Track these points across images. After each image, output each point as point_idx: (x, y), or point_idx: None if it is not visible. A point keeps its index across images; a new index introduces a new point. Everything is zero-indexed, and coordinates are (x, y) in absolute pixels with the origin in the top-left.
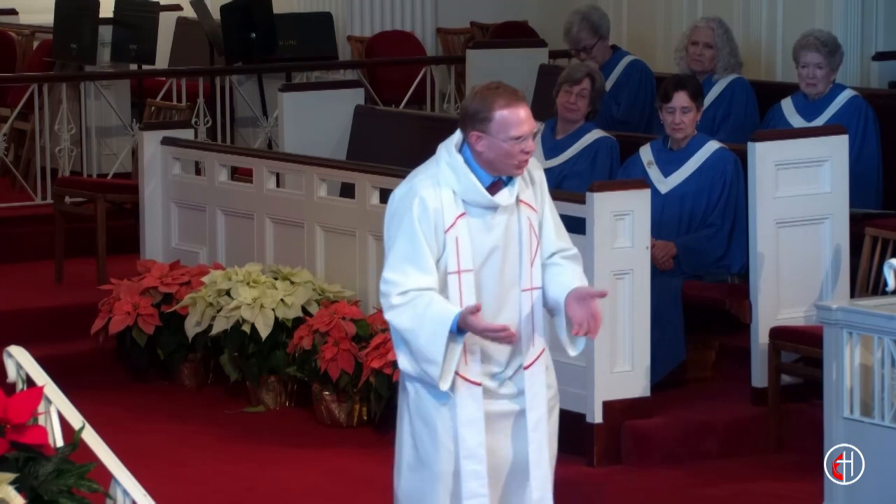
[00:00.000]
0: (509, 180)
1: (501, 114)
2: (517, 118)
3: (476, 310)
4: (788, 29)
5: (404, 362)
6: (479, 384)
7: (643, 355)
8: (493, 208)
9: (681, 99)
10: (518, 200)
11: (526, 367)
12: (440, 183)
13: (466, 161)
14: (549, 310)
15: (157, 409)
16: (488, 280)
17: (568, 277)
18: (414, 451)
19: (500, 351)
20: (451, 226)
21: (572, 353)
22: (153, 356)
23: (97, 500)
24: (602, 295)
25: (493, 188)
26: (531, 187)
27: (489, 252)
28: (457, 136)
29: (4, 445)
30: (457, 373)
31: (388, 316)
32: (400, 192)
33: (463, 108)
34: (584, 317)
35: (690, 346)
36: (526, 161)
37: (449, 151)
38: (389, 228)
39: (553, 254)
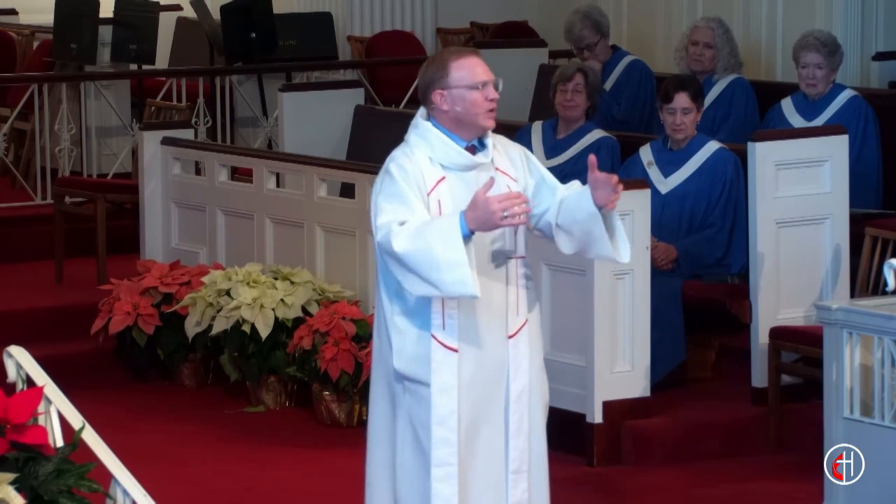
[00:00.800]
0: (482, 146)
1: (457, 65)
2: (473, 68)
3: (489, 187)
4: (788, 29)
5: (397, 358)
6: (455, 350)
7: (643, 355)
8: (472, 168)
9: (682, 100)
10: (496, 168)
11: (510, 337)
12: (414, 152)
13: (435, 127)
14: (587, 236)
15: (157, 409)
16: (475, 247)
17: (577, 195)
18: (415, 451)
19: (484, 321)
20: (433, 188)
21: (623, 259)
22: (153, 356)
23: (97, 500)
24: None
25: (468, 152)
26: (508, 159)
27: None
28: (420, 111)
29: (4, 445)
30: (434, 336)
31: (395, 246)
32: (379, 176)
33: (421, 79)
34: (607, 193)
35: (690, 346)
36: (493, 110)
37: (416, 125)
38: (375, 204)
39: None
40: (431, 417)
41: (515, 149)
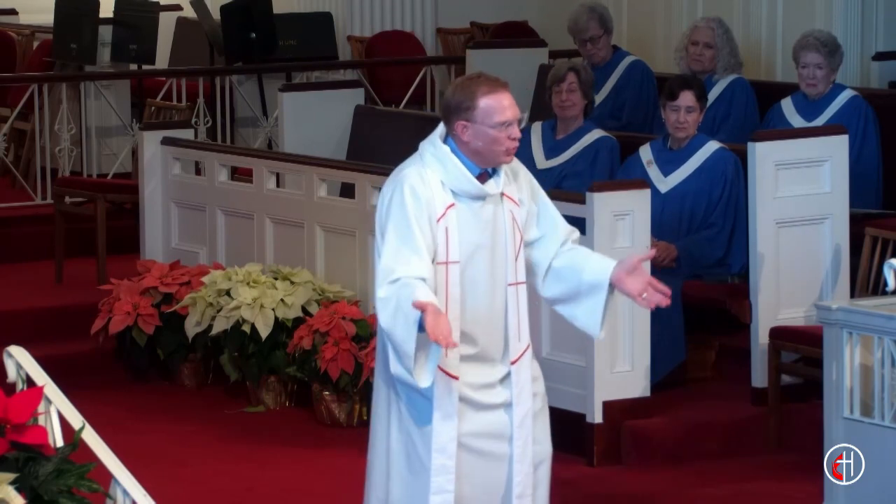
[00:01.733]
0: (494, 172)
1: (485, 101)
2: (501, 104)
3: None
4: (788, 29)
5: (393, 363)
6: (457, 378)
7: (643, 355)
8: (482, 198)
9: (686, 98)
10: (502, 194)
11: (513, 363)
12: (427, 174)
13: (453, 152)
14: (573, 294)
15: (157, 409)
16: (479, 274)
17: (597, 259)
18: (407, 459)
19: (486, 348)
20: (442, 215)
21: (599, 337)
22: (153, 356)
23: (97, 500)
24: (650, 256)
25: (479, 179)
26: (514, 183)
27: (477, 244)
28: (440, 129)
29: (4, 445)
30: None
31: (379, 316)
32: (388, 188)
33: (446, 101)
34: (643, 286)
35: (690, 346)
36: (514, 148)
37: (434, 144)
38: (382, 225)
39: (565, 241)
40: (432, 444)
41: (523, 172)
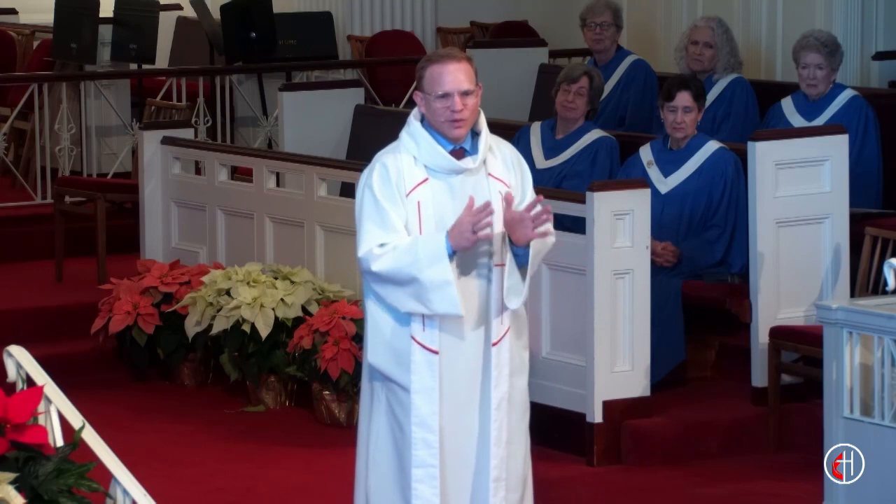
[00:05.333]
0: (473, 150)
1: (430, 70)
2: (440, 74)
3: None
4: (788, 29)
5: (373, 351)
6: (436, 352)
7: (643, 355)
8: (457, 173)
9: (684, 99)
10: (488, 173)
11: (494, 344)
12: (400, 151)
13: (425, 128)
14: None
15: (157, 409)
16: (461, 254)
17: None
18: (389, 449)
19: (467, 327)
20: (413, 189)
21: (511, 305)
22: (153, 356)
23: (97, 499)
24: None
25: (455, 155)
26: (506, 167)
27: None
28: (414, 111)
29: (4, 445)
30: (413, 338)
31: (375, 268)
32: (364, 172)
33: None
34: (525, 228)
35: (690, 346)
36: (455, 121)
37: (408, 123)
38: (358, 205)
39: None
40: (411, 418)
41: (509, 151)
